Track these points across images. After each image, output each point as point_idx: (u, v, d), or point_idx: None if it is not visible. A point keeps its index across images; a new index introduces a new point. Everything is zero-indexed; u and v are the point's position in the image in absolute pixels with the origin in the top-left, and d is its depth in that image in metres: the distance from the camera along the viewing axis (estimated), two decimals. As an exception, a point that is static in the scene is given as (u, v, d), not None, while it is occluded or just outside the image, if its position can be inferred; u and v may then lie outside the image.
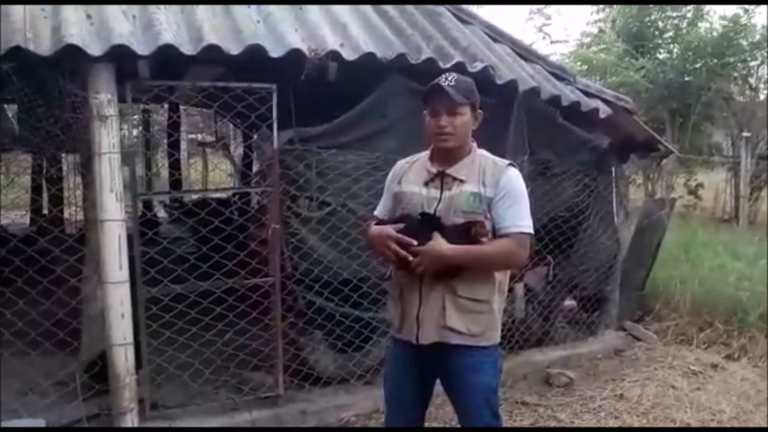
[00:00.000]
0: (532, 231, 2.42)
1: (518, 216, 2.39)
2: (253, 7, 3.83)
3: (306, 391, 4.03)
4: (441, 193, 2.44)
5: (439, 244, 2.33)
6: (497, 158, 2.50)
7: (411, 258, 2.33)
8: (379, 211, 2.65)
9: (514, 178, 2.43)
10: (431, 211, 2.41)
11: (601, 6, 14.22)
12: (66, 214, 7.65)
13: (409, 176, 2.55)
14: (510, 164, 2.47)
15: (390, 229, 2.39)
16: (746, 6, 11.63)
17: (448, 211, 2.40)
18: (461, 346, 2.42)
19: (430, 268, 2.35)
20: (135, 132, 10.90)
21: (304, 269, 3.92)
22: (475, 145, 2.52)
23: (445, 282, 2.39)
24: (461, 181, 2.42)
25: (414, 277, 2.40)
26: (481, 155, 2.49)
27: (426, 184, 2.48)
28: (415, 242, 2.32)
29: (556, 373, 4.61)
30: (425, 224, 2.38)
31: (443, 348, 2.44)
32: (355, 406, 4.01)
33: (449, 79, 2.42)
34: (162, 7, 3.51)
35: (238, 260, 3.88)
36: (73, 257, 3.63)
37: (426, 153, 2.56)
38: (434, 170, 2.48)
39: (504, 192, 2.38)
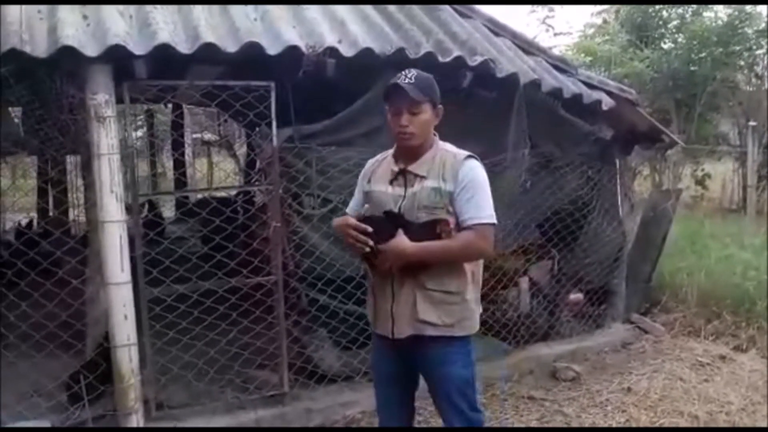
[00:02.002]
0: (493, 220, 2.42)
1: (479, 207, 2.40)
2: (250, 5, 3.81)
3: (311, 389, 4.03)
4: (405, 190, 2.46)
5: (401, 241, 2.36)
6: (458, 151, 2.50)
7: (372, 250, 2.35)
8: (350, 209, 2.68)
9: (473, 170, 2.43)
10: (396, 208, 2.44)
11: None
12: (72, 216, 7.69)
13: (377, 175, 2.58)
14: (469, 156, 2.47)
15: (350, 218, 2.44)
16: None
17: (412, 208, 2.42)
18: (436, 338, 2.45)
19: (394, 266, 2.38)
20: (139, 132, 10.94)
21: (306, 267, 3.91)
22: (436, 139, 2.53)
23: (414, 276, 2.42)
24: (422, 178, 2.43)
25: (384, 273, 2.43)
26: (443, 149, 2.50)
27: (391, 182, 2.51)
28: (370, 229, 2.35)
29: (562, 367, 4.59)
30: (390, 222, 2.40)
31: (419, 340, 2.47)
32: (361, 403, 4.00)
33: (408, 76, 2.42)
34: (158, 6, 3.50)
35: (241, 259, 3.87)
36: (76, 259, 3.64)
37: (391, 151, 2.59)
38: (397, 168, 2.50)
39: (463, 185, 2.39)
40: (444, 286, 2.43)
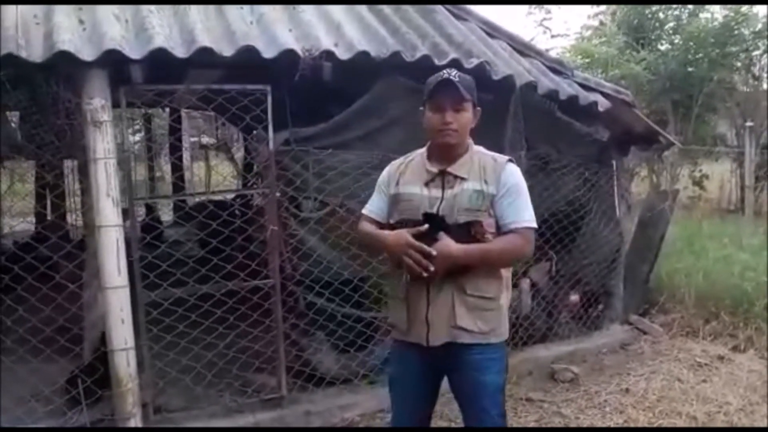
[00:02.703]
0: (535, 225, 2.43)
1: (521, 211, 2.40)
2: (246, 8, 3.83)
3: (309, 392, 4.03)
4: (443, 192, 2.41)
5: (447, 245, 2.32)
6: (495, 154, 2.49)
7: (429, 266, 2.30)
8: (370, 211, 2.60)
9: (515, 174, 2.44)
10: (435, 210, 2.38)
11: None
12: (71, 220, 7.69)
13: (407, 177, 2.50)
14: (509, 160, 2.47)
15: (407, 236, 2.34)
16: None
17: (452, 210, 2.37)
18: (471, 345, 2.41)
19: (440, 270, 2.32)
20: (137, 137, 10.95)
21: (304, 270, 3.92)
22: (471, 142, 2.49)
23: (454, 281, 2.37)
24: (463, 179, 2.39)
25: (423, 278, 2.35)
26: (479, 152, 2.47)
27: (426, 184, 2.44)
28: (434, 252, 2.29)
29: (560, 368, 4.59)
30: (430, 224, 2.35)
31: (453, 347, 2.42)
32: (359, 405, 4.00)
33: (453, 74, 2.39)
34: (154, 9, 3.51)
35: (238, 262, 3.87)
36: (73, 263, 3.64)
37: (421, 152, 2.53)
38: (434, 169, 2.44)
39: (506, 188, 2.39)
40: (482, 291, 2.40)
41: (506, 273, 2.51)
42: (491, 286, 2.43)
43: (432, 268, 2.29)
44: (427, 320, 2.41)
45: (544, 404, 4.16)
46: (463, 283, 2.38)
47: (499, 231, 2.41)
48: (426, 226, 2.34)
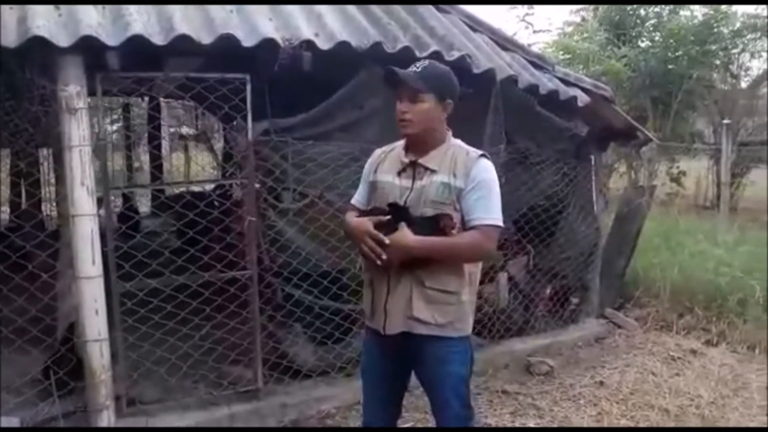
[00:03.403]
0: (500, 223, 2.38)
1: (488, 208, 2.35)
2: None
3: (286, 384, 4.01)
4: (413, 182, 2.41)
5: (404, 235, 2.31)
6: (471, 149, 2.45)
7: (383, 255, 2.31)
8: (356, 200, 2.64)
9: (486, 170, 2.38)
10: (402, 201, 2.39)
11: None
12: (46, 210, 7.58)
13: (384, 165, 2.53)
14: (482, 155, 2.42)
15: (368, 224, 2.36)
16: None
17: (418, 201, 2.37)
18: (428, 337, 2.41)
19: (394, 260, 2.33)
20: (114, 126, 10.81)
21: (282, 261, 3.90)
22: (449, 134, 2.48)
23: (412, 272, 2.37)
24: (432, 171, 2.39)
25: (382, 267, 2.37)
26: (456, 145, 2.45)
27: (399, 173, 2.46)
28: (387, 240, 2.31)
29: (536, 361, 4.63)
30: (393, 215, 2.36)
31: (411, 338, 2.43)
32: (336, 398, 4.00)
33: (418, 65, 2.40)
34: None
35: (215, 253, 3.84)
36: (46, 252, 3.59)
37: (402, 142, 2.53)
38: (407, 160, 2.45)
39: (474, 183, 2.34)
40: (442, 285, 2.38)
41: (472, 268, 2.47)
42: (452, 280, 2.40)
43: (384, 257, 2.31)
44: (386, 309, 2.44)
45: (520, 396, 4.19)
46: (423, 275, 2.37)
47: (464, 227, 2.37)
48: (389, 216, 2.36)
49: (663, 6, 12.63)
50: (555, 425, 3.85)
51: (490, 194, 2.36)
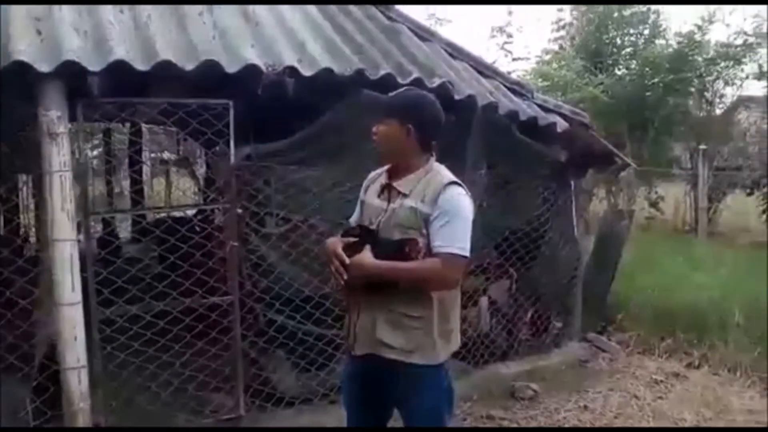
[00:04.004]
0: (465, 253, 2.32)
1: (451, 236, 2.30)
2: (209, 22, 3.80)
3: (269, 412, 3.96)
4: (387, 205, 2.44)
5: (362, 257, 2.33)
6: (447, 175, 2.41)
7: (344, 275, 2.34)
8: (351, 220, 2.68)
9: (454, 198, 2.34)
10: (376, 222, 2.43)
11: (561, 24, 14.50)
12: (25, 236, 7.46)
13: (372, 187, 2.58)
14: (453, 182, 2.38)
15: (338, 245, 2.39)
16: (701, 23, 11.98)
17: (388, 224, 2.39)
18: (396, 362, 2.39)
19: (354, 281, 2.35)
20: (95, 152, 10.73)
21: (264, 287, 3.87)
22: (432, 160, 2.47)
23: (379, 295, 2.37)
24: (404, 195, 2.40)
25: (353, 289, 2.40)
26: (434, 171, 2.43)
27: (378, 195, 2.51)
28: (347, 260, 2.33)
29: (520, 386, 4.62)
30: (362, 236, 2.39)
31: (380, 362, 2.42)
32: (320, 424, 3.94)
33: (394, 92, 2.50)
34: (114, 22, 3.46)
35: (196, 279, 3.80)
36: (25, 279, 3.53)
37: (389, 165, 2.55)
38: (384, 182, 2.50)
39: (440, 210, 2.31)
40: (406, 309, 2.36)
41: (442, 295, 2.40)
42: (417, 305, 2.36)
43: (345, 277, 2.33)
44: (355, 329, 2.46)
45: (505, 421, 4.18)
46: (389, 299, 2.37)
47: (430, 253, 2.33)
48: (356, 238, 2.39)
49: (639, 35, 12.91)
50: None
51: (454, 222, 2.31)
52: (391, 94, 2.50)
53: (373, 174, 2.65)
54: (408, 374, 2.41)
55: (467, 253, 2.33)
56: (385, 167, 2.56)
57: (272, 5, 4.24)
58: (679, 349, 5.50)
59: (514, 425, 4.12)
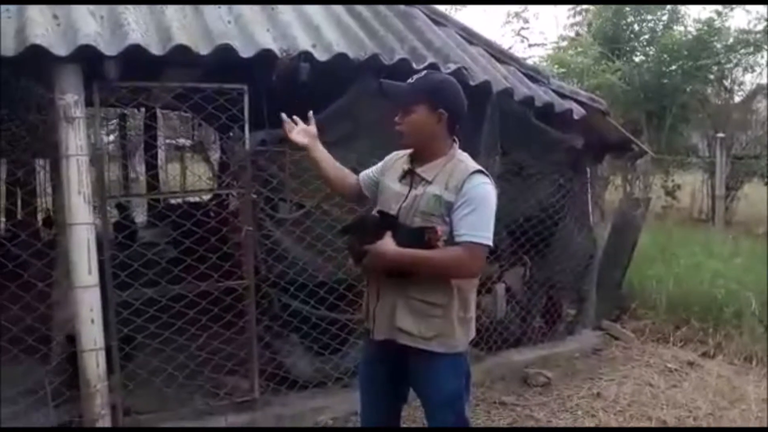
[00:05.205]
0: (488, 242, 2.28)
1: (475, 225, 2.27)
2: (224, 7, 3.79)
3: (282, 395, 3.99)
4: (409, 191, 2.42)
5: (383, 244, 2.31)
6: (471, 163, 2.38)
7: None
8: (364, 173, 2.68)
9: (479, 186, 2.31)
10: (397, 207, 2.41)
11: (578, 8, 14.34)
12: (40, 219, 7.54)
13: (392, 169, 2.55)
14: (477, 171, 2.34)
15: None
16: (720, 8, 11.81)
17: (410, 210, 2.37)
18: (415, 349, 2.39)
19: (373, 268, 2.36)
20: (111, 137, 10.81)
21: (279, 272, 3.89)
22: (455, 146, 2.44)
23: (399, 282, 2.36)
24: (427, 182, 2.37)
25: (372, 274, 2.41)
26: (458, 159, 2.40)
27: (400, 180, 2.48)
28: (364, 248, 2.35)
29: (533, 372, 4.62)
30: (382, 223, 2.38)
31: (398, 347, 2.42)
32: (332, 408, 3.98)
33: (414, 77, 2.42)
34: (131, 7, 3.46)
35: (212, 263, 3.83)
36: (43, 261, 3.57)
37: (411, 150, 2.52)
38: (407, 167, 2.47)
39: (465, 198, 2.28)
40: (427, 297, 2.35)
41: (462, 283, 2.39)
42: (437, 292, 2.35)
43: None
44: (374, 314, 2.46)
45: (517, 408, 4.18)
46: (408, 286, 2.36)
47: (453, 242, 2.30)
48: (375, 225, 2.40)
49: (657, 21, 12.74)
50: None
51: (479, 211, 2.28)
52: (411, 79, 2.42)
53: (394, 155, 2.60)
54: (427, 361, 2.40)
55: (490, 242, 2.30)
56: (408, 151, 2.52)
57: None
58: (693, 337, 5.48)
59: (527, 411, 4.12)
